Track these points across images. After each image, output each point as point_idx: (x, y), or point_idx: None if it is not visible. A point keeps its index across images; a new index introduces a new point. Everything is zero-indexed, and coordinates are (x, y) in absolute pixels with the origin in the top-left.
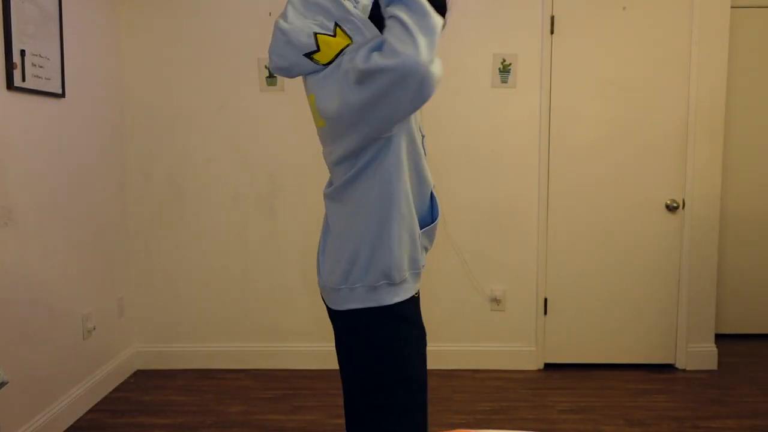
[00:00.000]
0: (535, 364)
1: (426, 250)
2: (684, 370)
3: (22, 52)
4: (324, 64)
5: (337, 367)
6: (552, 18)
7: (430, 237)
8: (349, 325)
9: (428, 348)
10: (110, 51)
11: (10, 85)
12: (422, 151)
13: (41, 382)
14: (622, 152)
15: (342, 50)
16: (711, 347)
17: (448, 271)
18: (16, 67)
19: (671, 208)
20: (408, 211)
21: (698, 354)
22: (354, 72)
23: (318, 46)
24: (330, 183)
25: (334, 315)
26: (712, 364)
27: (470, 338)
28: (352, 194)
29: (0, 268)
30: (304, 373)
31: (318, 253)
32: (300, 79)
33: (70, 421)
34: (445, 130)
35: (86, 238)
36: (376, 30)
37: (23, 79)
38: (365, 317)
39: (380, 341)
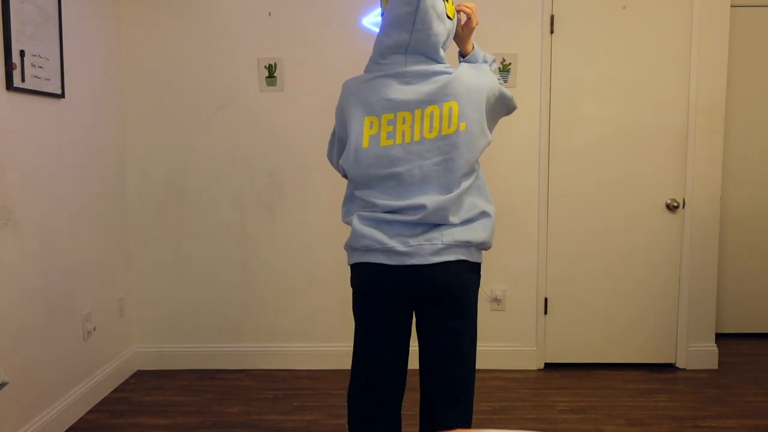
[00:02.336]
0: (536, 364)
1: None
2: (684, 370)
3: (22, 53)
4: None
5: (336, 367)
6: (552, 18)
7: None
8: (476, 268)
9: None
10: (110, 51)
11: (9, 85)
12: None
13: (41, 382)
14: (622, 152)
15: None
16: (711, 347)
17: None
18: (16, 67)
19: (671, 208)
20: None
21: (698, 354)
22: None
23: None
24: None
25: (465, 264)
26: (712, 363)
27: None
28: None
29: (0, 268)
30: (304, 373)
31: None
32: (300, 78)
33: (70, 422)
34: None
35: (86, 238)
36: None
37: (23, 80)
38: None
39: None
